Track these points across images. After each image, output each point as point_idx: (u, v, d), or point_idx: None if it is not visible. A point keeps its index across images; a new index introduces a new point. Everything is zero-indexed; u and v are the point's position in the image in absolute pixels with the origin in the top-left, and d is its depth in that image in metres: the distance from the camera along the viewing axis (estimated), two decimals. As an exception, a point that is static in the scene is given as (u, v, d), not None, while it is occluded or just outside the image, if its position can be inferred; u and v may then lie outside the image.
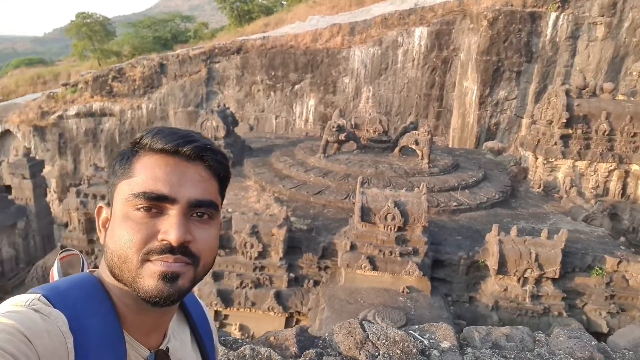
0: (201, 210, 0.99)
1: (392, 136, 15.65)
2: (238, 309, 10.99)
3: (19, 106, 29.11)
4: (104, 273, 0.99)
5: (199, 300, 1.31)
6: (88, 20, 36.43)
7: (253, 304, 10.81)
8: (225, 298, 10.84)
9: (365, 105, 16.40)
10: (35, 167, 22.88)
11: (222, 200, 1.10)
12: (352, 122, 15.26)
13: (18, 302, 0.86)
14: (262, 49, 26.49)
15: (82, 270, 1.09)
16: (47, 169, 26.85)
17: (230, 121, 14.98)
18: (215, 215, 1.04)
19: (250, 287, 10.78)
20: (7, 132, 28.21)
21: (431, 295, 9.75)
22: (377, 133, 15.14)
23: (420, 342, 2.68)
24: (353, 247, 9.90)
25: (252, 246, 10.56)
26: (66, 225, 18.34)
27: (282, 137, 19.54)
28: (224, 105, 16.98)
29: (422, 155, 13.80)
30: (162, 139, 0.97)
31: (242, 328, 11.43)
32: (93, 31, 36.36)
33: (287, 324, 11.15)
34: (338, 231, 10.95)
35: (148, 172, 0.94)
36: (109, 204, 0.99)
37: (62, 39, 73.41)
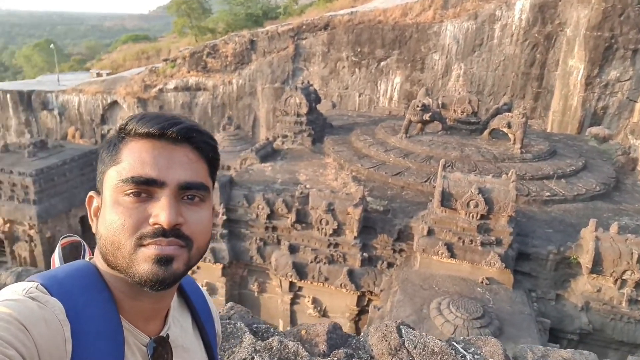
0: (191, 192, 0.97)
1: (482, 118, 14.73)
2: (312, 283, 11.25)
3: (125, 79, 31.78)
4: (98, 261, 0.99)
5: (200, 287, 1.30)
6: (187, -1, 38.41)
7: (326, 279, 10.99)
8: (300, 271, 11.14)
9: (455, 84, 15.53)
10: (138, 136, 25.01)
11: (214, 182, 1.07)
12: (439, 102, 14.58)
13: (15, 290, 0.87)
14: (349, 24, 26.12)
15: (83, 257, 1.09)
16: (148, 138, 29.26)
17: (313, 98, 15.07)
18: (206, 198, 1.01)
19: (324, 263, 10.95)
20: (114, 103, 31.03)
21: (513, 289, 9.19)
22: (465, 114, 14.34)
23: (462, 357, 2.46)
24: (430, 232, 9.58)
25: (327, 223, 10.66)
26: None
27: (364, 115, 19.28)
28: (308, 82, 17.09)
29: (515, 140, 12.84)
30: (147, 123, 0.96)
31: (314, 301, 11.73)
32: (191, 9, 38.32)
33: (359, 302, 11.23)
34: (415, 215, 10.66)
35: (135, 157, 0.93)
36: (99, 193, 0.99)
37: (164, 16, 78.44)
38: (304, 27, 27.33)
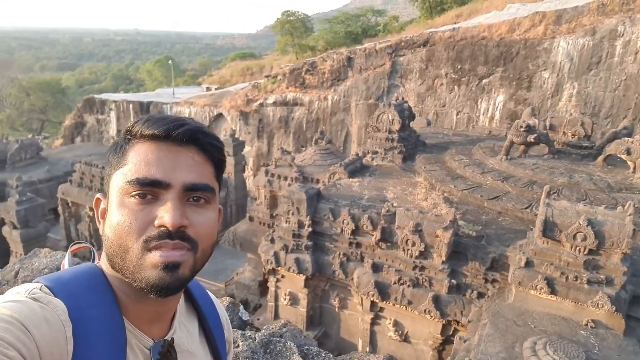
0: (197, 194, 0.96)
1: (597, 142, 13.30)
2: (394, 305, 10.88)
3: (231, 94, 34.05)
4: (103, 264, 0.99)
5: (209, 292, 1.28)
6: (291, 18, 40.35)
7: (409, 302, 10.55)
8: (383, 291, 10.83)
9: (567, 104, 14.29)
10: (238, 146, 26.54)
11: (220, 185, 1.05)
12: (547, 123, 13.46)
13: (19, 291, 0.88)
14: (450, 41, 25.39)
15: (93, 262, 1.08)
16: (246, 148, 30.94)
17: (406, 115, 14.78)
18: (212, 200, 1.00)
19: (408, 285, 10.53)
20: (220, 115, 33.33)
21: (624, 336, 8.02)
22: (576, 137, 13.06)
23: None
24: (529, 264, 8.75)
25: (413, 244, 10.26)
26: (256, 199, 20.79)
27: (460, 134, 18.45)
28: (402, 98, 16.82)
29: (635, 168, 11.38)
30: (153, 124, 0.95)
31: (396, 324, 11.31)
32: (294, 28, 40.13)
33: (444, 331, 10.60)
34: (512, 243, 9.83)
35: (141, 159, 0.93)
36: (106, 195, 0.98)
37: (270, 35, 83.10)
38: (402, 43, 27.13)
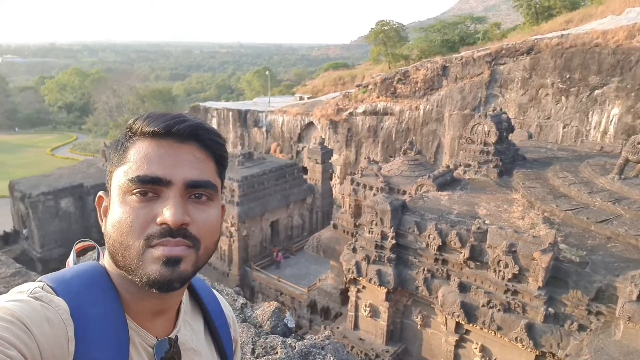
0: (199, 191, 0.95)
1: None
2: (481, 328, 10.19)
3: (322, 103, 34.75)
4: (106, 261, 0.99)
5: (214, 291, 1.25)
6: (385, 28, 40.21)
7: (499, 328, 9.81)
8: (469, 313, 10.21)
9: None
10: (326, 154, 26.96)
11: (222, 182, 1.03)
12: (671, 139, 11.78)
13: (21, 291, 0.88)
14: (557, 48, 23.48)
15: (98, 260, 1.07)
16: (334, 157, 31.32)
17: (504, 127, 13.86)
18: (214, 196, 0.98)
19: (498, 309, 9.80)
20: (310, 124, 34.16)
21: None
22: None
23: None
24: (643, 298, 7.69)
25: (506, 266, 9.53)
26: (341, 207, 20.90)
27: (566, 149, 16.89)
28: (501, 109, 15.84)
29: None
30: (153, 121, 0.94)
31: (483, 350, 10.58)
32: (388, 37, 39.93)
33: (537, 363, 9.68)
34: (623, 273, 8.71)
35: (141, 156, 0.93)
36: (108, 193, 0.98)
37: (363, 45, 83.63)
38: (503, 51, 25.67)
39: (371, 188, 16.42)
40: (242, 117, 36.47)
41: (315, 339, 2.34)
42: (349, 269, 12.45)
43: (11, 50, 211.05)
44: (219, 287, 2.82)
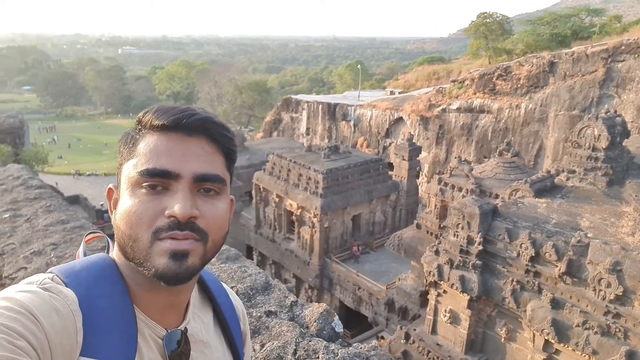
0: (207, 185, 0.95)
1: None
2: (574, 350, 9.32)
3: (413, 98, 33.88)
4: (115, 253, 1.00)
5: (224, 284, 1.26)
6: (487, 20, 37.96)
7: (595, 352, 8.90)
8: (561, 332, 9.38)
9: None
10: (414, 151, 26.28)
11: (231, 176, 1.04)
12: None
13: (31, 281, 0.88)
14: (692, 43, 20.47)
15: (107, 252, 1.07)
16: (423, 154, 30.41)
17: (618, 131, 12.41)
18: (222, 190, 0.99)
19: (595, 332, 8.88)
20: (399, 119, 33.50)
21: None
22: None
23: None
24: None
25: (608, 285, 8.58)
26: (426, 207, 20.28)
27: (695, 159, 14.69)
28: (615, 111, 14.21)
29: None
30: (162, 115, 0.95)
31: (574, 374, 9.68)
32: (490, 30, 37.66)
33: (639, 398, 8.62)
34: None
35: (151, 149, 0.93)
36: (118, 185, 0.99)
37: (462, 39, 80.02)
38: (622, 47, 22.98)
39: (460, 189, 15.69)
40: (331, 110, 36.83)
41: (360, 348, 2.25)
42: (430, 272, 12.06)
43: (129, 42, 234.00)
44: (272, 281, 2.86)
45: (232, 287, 2.72)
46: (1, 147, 25.89)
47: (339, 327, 2.43)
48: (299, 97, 42.79)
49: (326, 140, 27.30)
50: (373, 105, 34.85)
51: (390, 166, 27.20)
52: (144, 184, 0.92)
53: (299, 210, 22.86)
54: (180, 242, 0.91)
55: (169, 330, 1.00)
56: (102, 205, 32.60)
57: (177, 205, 0.90)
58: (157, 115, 0.96)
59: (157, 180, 0.91)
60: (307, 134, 38.30)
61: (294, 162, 23.11)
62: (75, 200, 33.22)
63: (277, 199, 24.33)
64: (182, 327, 1.03)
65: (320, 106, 37.57)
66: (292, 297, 2.64)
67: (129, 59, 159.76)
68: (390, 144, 33.35)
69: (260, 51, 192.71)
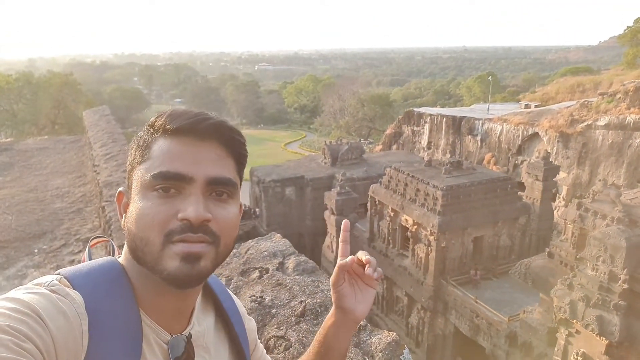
0: (220, 188, 0.97)
1: None
2: None
3: (552, 112, 30.77)
4: (124, 257, 1.00)
5: (227, 288, 1.27)
6: (648, 25, 33.03)
7: None
8: None
9: None
10: (550, 171, 23.75)
11: (241, 179, 1.05)
12: None
13: (38, 283, 0.89)
14: None
15: (113, 255, 1.09)
16: (561, 175, 27.32)
17: None
18: (234, 194, 1.01)
19: None
20: (535, 135, 30.63)
21: None
22: None
23: None
24: None
25: None
26: (561, 234, 18.14)
27: None
28: None
29: None
30: (176, 119, 0.97)
31: None
32: (652, 35, 32.71)
33: None
34: None
35: (164, 153, 0.95)
36: (128, 189, 1.00)
37: (615, 47, 70.83)
38: None
39: (604, 217, 13.67)
40: (456, 124, 35.22)
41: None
42: (562, 308, 10.64)
43: (265, 59, 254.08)
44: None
45: (300, 302, 2.64)
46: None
47: None
48: (422, 110, 41.84)
49: (448, 155, 26.11)
50: (504, 120, 32.50)
51: (521, 186, 24.97)
52: (157, 187, 0.93)
53: (415, 226, 22.15)
54: (192, 245, 0.92)
55: (173, 335, 1.00)
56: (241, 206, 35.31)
57: (190, 208, 0.91)
58: (170, 120, 0.98)
59: (170, 183, 0.93)
60: (429, 148, 37.19)
61: (412, 176, 22.50)
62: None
63: (392, 213, 23.92)
64: (186, 332, 1.04)
65: (444, 119, 36.25)
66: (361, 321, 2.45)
67: (263, 75, 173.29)
68: (522, 161, 30.66)
69: (385, 64, 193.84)
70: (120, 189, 1.04)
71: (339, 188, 24.31)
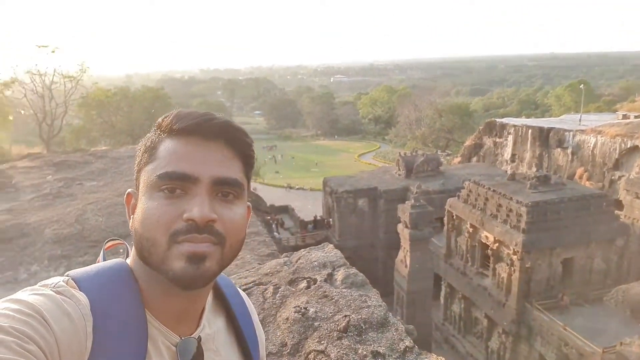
0: (226, 189, 0.96)
1: None
2: None
3: (657, 123, 27.64)
4: (133, 258, 1.00)
5: (239, 289, 1.26)
6: None
7: None
8: None
9: None
10: (653, 188, 21.29)
11: (249, 180, 1.05)
12: None
13: (45, 284, 0.89)
14: None
15: (127, 257, 1.07)
16: (666, 192, 24.31)
17: None
18: (240, 195, 1.00)
19: None
20: (634, 148, 27.68)
21: None
22: None
23: None
24: None
25: None
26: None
27: None
28: None
29: None
30: (182, 119, 0.96)
31: None
32: None
33: None
34: None
35: (170, 153, 0.95)
36: (137, 190, 0.99)
37: None
38: None
39: None
40: (544, 136, 32.85)
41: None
42: (672, 345, 9.33)
43: (341, 70, 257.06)
44: (392, 318, 2.54)
45: (344, 316, 2.51)
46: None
47: None
48: (505, 120, 39.65)
49: (534, 169, 24.37)
50: (599, 131, 29.79)
51: (619, 205, 22.64)
52: (163, 187, 0.92)
53: (496, 244, 20.87)
54: (198, 245, 0.90)
55: (182, 338, 0.99)
56: (314, 216, 35.54)
57: (195, 208, 0.90)
58: (176, 120, 0.96)
59: (176, 183, 0.92)
60: (512, 161, 35.07)
61: (493, 190, 21.29)
62: (284, 209, 37.57)
63: (470, 229, 22.78)
64: (195, 334, 1.02)
65: (529, 130, 34.02)
66: (407, 342, 2.29)
67: (339, 86, 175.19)
68: (619, 177, 27.79)
69: (465, 73, 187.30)
70: (129, 190, 1.03)
71: (413, 200, 23.61)
